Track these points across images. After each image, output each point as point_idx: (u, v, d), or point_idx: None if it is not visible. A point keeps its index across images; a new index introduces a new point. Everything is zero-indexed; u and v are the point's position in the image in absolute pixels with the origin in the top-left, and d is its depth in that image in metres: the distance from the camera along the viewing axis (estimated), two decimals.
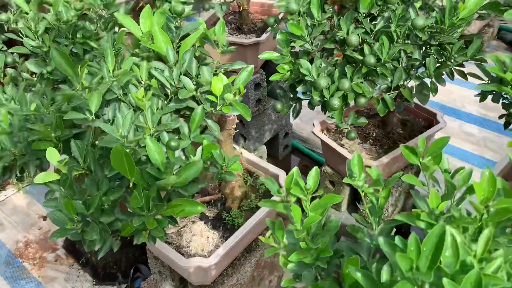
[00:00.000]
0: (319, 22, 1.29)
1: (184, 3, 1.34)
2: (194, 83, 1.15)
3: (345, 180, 0.87)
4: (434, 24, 1.26)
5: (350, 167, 0.87)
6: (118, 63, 1.23)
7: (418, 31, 1.25)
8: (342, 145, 2.01)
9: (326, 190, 2.21)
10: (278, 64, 1.40)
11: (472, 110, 3.00)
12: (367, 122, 2.15)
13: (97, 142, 1.02)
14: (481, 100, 1.42)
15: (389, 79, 1.33)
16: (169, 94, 1.16)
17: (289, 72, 1.38)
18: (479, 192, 0.72)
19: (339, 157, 1.96)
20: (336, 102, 1.25)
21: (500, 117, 1.39)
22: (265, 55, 1.39)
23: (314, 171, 0.81)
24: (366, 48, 1.27)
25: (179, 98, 1.14)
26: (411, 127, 2.09)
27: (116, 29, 1.50)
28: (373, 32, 1.33)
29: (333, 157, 2.04)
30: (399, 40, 1.27)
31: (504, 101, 1.35)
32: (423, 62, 1.37)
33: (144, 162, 1.05)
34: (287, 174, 2.80)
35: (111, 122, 1.14)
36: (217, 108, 1.15)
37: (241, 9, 2.28)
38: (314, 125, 2.04)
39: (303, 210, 0.80)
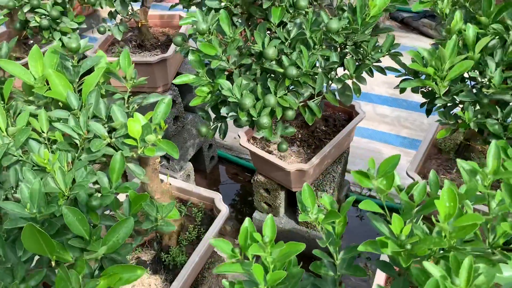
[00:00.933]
0: (232, 38, 1.21)
1: (76, 29, 1.18)
2: (107, 128, 1.01)
3: (300, 218, 0.80)
4: (348, 25, 1.23)
5: (302, 201, 0.80)
6: (12, 117, 1.05)
7: (334, 34, 1.22)
8: (271, 152, 1.96)
9: (261, 198, 2.16)
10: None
11: (381, 91, 3.12)
12: (290, 123, 2.12)
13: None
14: (401, 92, 1.43)
15: (312, 87, 1.28)
16: (78, 144, 1.01)
17: (209, 94, 1.28)
18: (441, 209, 0.68)
19: (271, 165, 1.91)
20: (265, 121, 1.18)
21: (422, 105, 1.41)
22: (180, 79, 1.28)
23: (269, 220, 0.73)
24: (285, 60, 1.21)
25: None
26: (333, 122, 2.10)
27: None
28: (288, 41, 1.27)
29: (264, 165, 1.98)
30: (316, 46, 1.23)
31: (423, 89, 1.37)
32: (342, 63, 1.35)
33: (64, 233, 0.90)
34: (217, 187, 2.70)
35: (14, 189, 0.96)
36: (139, 152, 1.02)
37: (140, 25, 2.12)
38: (239, 136, 1.96)
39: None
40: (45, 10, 1.58)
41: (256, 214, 2.23)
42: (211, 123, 1.43)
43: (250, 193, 2.57)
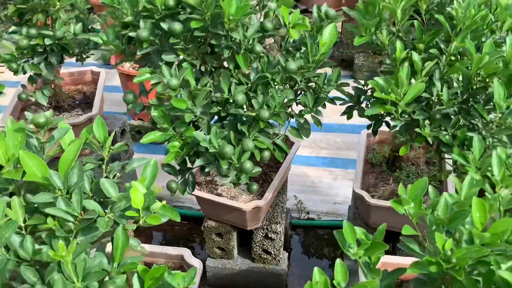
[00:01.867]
0: (200, 89, 1.20)
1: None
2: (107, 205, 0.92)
3: (346, 251, 0.81)
4: (302, 65, 1.31)
5: (344, 239, 0.82)
6: None
7: (293, 74, 1.28)
8: (220, 195, 1.94)
9: (213, 243, 2.11)
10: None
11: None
12: None
13: None
14: (348, 118, 1.55)
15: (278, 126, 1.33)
16: (73, 228, 0.90)
17: (180, 150, 1.25)
18: (476, 219, 0.76)
19: (224, 208, 1.89)
20: (249, 165, 1.19)
21: (368, 127, 1.54)
22: (148, 138, 1.23)
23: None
24: (255, 103, 1.24)
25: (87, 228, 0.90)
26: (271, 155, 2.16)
27: None
28: (249, 84, 1.31)
29: (215, 210, 1.95)
30: (279, 87, 1.28)
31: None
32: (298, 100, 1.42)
33: None
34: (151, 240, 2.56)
35: None
36: (140, 222, 0.95)
37: (53, 86, 1.97)
38: None
39: None
40: None
41: (210, 261, 2.17)
42: (178, 178, 1.38)
43: (190, 239, 2.50)
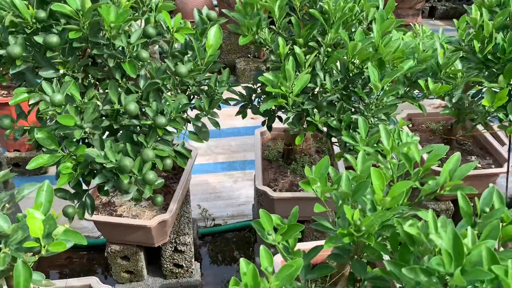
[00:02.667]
0: (87, 103, 1.13)
1: None
2: None
3: (265, 238, 0.82)
4: (192, 68, 1.31)
5: (262, 227, 0.82)
6: None
7: (185, 77, 1.27)
8: (121, 215, 1.84)
9: (120, 268, 1.99)
10: None
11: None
12: None
13: None
14: (243, 116, 1.59)
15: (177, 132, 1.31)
16: None
17: (73, 170, 1.16)
18: (376, 187, 0.83)
19: (127, 229, 1.80)
20: (152, 176, 1.15)
21: (263, 123, 1.59)
22: (35, 162, 1.12)
23: None
24: (149, 111, 1.20)
25: None
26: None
27: None
28: (139, 93, 1.27)
29: (118, 232, 1.85)
30: (172, 92, 1.26)
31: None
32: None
33: None
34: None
35: None
36: (43, 252, 0.86)
37: None
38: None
39: None
40: None
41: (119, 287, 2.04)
42: (75, 202, 1.29)
43: (92, 269, 2.34)
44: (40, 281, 0.91)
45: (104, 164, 1.12)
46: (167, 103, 1.21)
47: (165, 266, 2.03)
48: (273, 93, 1.28)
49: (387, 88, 1.28)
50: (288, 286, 0.66)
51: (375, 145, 1.22)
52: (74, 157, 1.17)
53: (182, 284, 2.08)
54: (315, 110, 1.35)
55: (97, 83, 1.26)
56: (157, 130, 1.19)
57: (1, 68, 1.23)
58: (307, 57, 1.31)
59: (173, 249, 1.97)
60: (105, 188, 1.15)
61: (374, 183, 0.83)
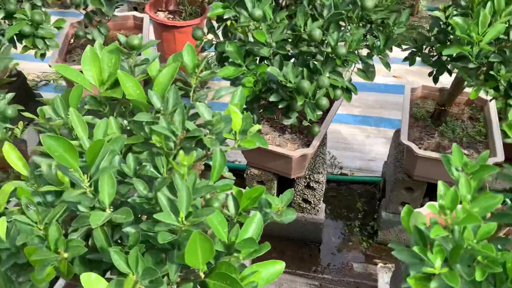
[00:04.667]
0: (279, 23, 1.19)
1: None
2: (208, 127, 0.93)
3: (451, 173, 0.82)
4: (379, 3, 1.29)
5: (449, 162, 0.82)
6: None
7: (370, 12, 1.27)
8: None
9: None
10: None
11: None
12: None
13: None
14: (411, 63, 1.55)
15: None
16: (173, 147, 0.91)
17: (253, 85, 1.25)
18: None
19: (269, 155, 1.91)
20: (325, 102, 1.19)
21: (430, 74, 1.54)
22: (224, 72, 1.23)
23: None
24: (331, 40, 1.23)
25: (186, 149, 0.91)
26: None
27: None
28: (323, 21, 1.29)
29: (261, 157, 1.97)
30: (353, 25, 1.27)
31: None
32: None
33: None
34: None
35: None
36: (235, 145, 0.96)
37: None
38: None
39: None
40: (25, 15, 1.37)
41: None
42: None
43: None
44: (224, 172, 1.02)
45: (283, 83, 1.19)
46: (349, 34, 1.22)
47: (294, 199, 2.13)
48: (459, 38, 1.22)
49: None
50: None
51: None
52: (255, 73, 1.26)
53: (308, 219, 2.18)
54: (501, 65, 1.26)
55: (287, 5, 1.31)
56: (335, 60, 1.21)
57: None
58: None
59: (305, 184, 2.05)
60: (280, 106, 1.23)
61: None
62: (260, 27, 1.16)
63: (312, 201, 2.12)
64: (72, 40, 2.06)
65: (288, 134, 2.03)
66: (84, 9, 1.56)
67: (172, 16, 2.82)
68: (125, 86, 0.93)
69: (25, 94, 2.00)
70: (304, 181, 2.05)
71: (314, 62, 1.25)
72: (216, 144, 0.89)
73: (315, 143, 1.88)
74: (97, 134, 0.88)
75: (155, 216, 0.70)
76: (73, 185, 0.82)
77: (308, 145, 1.90)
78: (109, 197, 0.76)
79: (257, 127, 0.93)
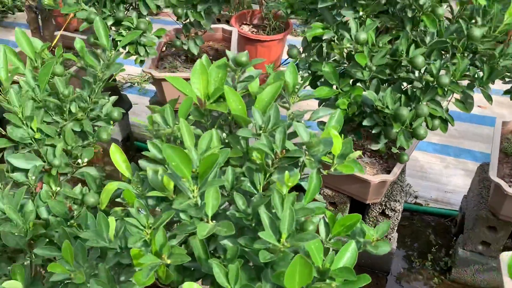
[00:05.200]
0: (381, 47, 1.17)
1: None
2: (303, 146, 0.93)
3: None
4: (486, 33, 1.24)
5: None
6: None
7: (476, 41, 1.21)
8: None
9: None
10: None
11: None
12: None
13: None
14: None
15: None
16: (270, 165, 0.92)
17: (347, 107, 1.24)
18: None
19: (346, 177, 1.87)
20: (423, 132, 1.15)
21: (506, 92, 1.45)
22: (319, 92, 1.22)
23: None
24: (434, 68, 1.19)
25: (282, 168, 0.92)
26: None
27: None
28: (425, 48, 1.25)
29: (336, 178, 1.94)
30: (457, 55, 1.22)
31: None
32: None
33: None
34: None
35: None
36: (332, 169, 0.95)
37: (187, 39, 2.02)
38: None
39: None
40: (131, 23, 1.46)
41: None
42: None
43: None
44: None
45: (380, 108, 1.16)
46: (453, 64, 1.17)
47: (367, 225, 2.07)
48: None
49: None
50: None
51: None
52: (349, 96, 1.24)
53: None
54: None
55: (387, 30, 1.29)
56: (437, 89, 1.17)
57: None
58: None
59: (380, 211, 1.99)
60: (373, 131, 1.20)
61: None
62: (362, 50, 1.15)
63: None
64: (164, 48, 2.16)
65: (367, 157, 1.99)
66: (183, 20, 1.63)
67: (256, 30, 2.87)
68: (230, 101, 0.95)
69: (112, 94, 2.11)
70: (379, 208, 1.99)
71: (413, 89, 1.21)
72: (314, 166, 0.88)
73: (396, 170, 1.82)
74: (201, 145, 0.90)
75: (259, 234, 0.70)
76: (176, 192, 0.85)
77: (387, 171, 1.84)
78: (212, 209, 0.78)
79: (357, 153, 0.92)
